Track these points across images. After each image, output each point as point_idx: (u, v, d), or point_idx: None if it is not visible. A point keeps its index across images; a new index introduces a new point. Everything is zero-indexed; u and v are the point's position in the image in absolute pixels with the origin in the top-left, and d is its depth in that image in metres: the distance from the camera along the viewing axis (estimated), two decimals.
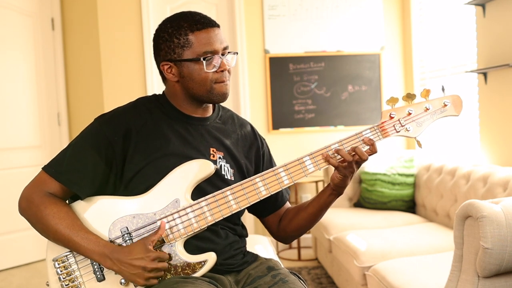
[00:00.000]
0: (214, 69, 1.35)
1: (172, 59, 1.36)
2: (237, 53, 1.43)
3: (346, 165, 1.31)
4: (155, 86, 3.95)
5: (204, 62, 1.33)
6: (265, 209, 1.54)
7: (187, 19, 1.35)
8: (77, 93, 4.11)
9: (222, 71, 1.36)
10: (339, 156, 1.32)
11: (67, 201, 1.37)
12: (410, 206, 3.40)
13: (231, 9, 4.08)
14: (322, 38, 4.13)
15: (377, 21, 4.17)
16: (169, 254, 1.28)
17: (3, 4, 3.75)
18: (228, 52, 1.38)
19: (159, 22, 1.42)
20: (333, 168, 1.35)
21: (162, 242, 1.29)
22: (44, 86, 4.01)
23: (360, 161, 1.32)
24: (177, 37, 1.34)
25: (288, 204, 1.58)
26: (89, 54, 3.99)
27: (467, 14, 3.29)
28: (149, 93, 3.89)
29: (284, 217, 1.54)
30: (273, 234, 1.57)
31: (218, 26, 1.37)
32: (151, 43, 1.43)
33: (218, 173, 1.38)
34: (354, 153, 1.31)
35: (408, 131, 1.35)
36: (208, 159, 1.37)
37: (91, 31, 3.93)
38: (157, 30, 1.40)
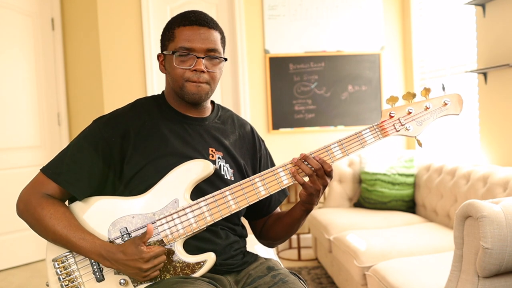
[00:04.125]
0: (184, 67, 1.34)
1: (162, 52, 1.41)
2: (225, 59, 1.40)
3: (311, 184, 1.29)
4: (155, 86, 3.94)
5: (173, 56, 1.34)
6: (257, 212, 1.54)
7: (183, 15, 1.38)
8: (77, 93, 4.11)
9: (195, 70, 1.34)
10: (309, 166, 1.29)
11: (66, 202, 1.37)
12: (410, 206, 3.40)
13: (231, 9, 4.08)
14: (322, 38, 4.13)
15: (377, 21, 4.17)
16: (168, 255, 1.28)
17: (3, 4, 3.75)
18: (216, 57, 1.36)
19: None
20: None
21: (161, 242, 1.29)
22: (44, 86, 4.00)
23: (326, 172, 1.29)
24: (168, 30, 1.39)
25: (277, 210, 1.58)
26: (89, 54, 3.99)
27: (467, 14, 3.29)
28: (149, 93, 3.90)
29: (266, 222, 1.55)
30: (256, 237, 1.59)
31: (210, 27, 1.35)
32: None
33: (217, 173, 1.38)
34: (320, 164, 1.28)
35: (408, 130, 1.34)
36: (207, 159, 1.37)
37: (91, 31, 3.93)
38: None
